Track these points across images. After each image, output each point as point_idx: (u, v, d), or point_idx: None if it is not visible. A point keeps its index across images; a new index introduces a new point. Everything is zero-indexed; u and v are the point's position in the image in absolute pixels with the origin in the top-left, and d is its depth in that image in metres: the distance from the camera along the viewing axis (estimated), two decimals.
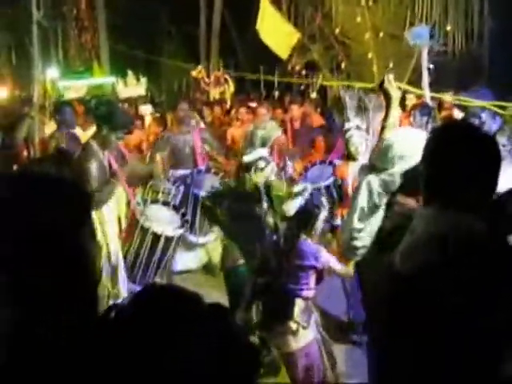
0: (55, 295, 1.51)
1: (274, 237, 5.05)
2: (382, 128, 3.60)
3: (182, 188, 7.17)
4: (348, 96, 6.38)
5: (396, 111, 3.61)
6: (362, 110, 6.52)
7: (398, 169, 2.98)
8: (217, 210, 5.99)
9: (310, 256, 4.50)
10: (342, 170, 6.31)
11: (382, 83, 3.64)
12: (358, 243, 3.06)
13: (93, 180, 5.04)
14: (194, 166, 7.80)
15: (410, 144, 3.00)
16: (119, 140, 5.54)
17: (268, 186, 5.51)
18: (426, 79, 8.28)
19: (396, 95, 3.59)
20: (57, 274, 1.50)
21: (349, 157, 6.05)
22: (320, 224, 4.62)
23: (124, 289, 5.42)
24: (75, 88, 15.30)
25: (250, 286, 4.86)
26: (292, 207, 4.78)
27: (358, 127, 5.98)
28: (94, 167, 5.08)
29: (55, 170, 4.02)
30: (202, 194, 6.85)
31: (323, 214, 4.67)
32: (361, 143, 5.95)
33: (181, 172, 7.70)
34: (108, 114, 5.45)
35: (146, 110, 11.58)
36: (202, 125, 9.29)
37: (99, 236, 5.20)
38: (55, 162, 4.31)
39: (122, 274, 5.45)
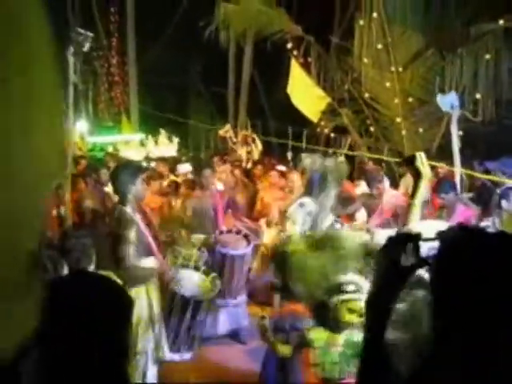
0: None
1: None
2: (409, 206, 3.51)
3: (205, 252, 7.22)
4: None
5: (425, 190, 3.51)
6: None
7: None
8: None
9: None
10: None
11: (411, 160, 3.57)
12: None
13: (132, 247, 5.01)
14: (214, 229, 7.84)
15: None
16: (140, 188, 5.44)
17: None
18: (456, 146, 8.27)
19: (427, 174, 3.50)
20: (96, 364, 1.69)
21: None
22: None
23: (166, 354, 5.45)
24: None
25: None
26: None
27: (301, 204, 5.76)
28: (132, 235, 5.05)
29: (92, 241, 4.06)
30: (233, 252, 6.94)
31: None
32: (303, 222, 5.57)
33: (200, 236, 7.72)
34: (117, 174, 5.47)
35: (185, 169, 10.79)
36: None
37: (145, 304, 5.22)
38: (92, 234, 4.34)
39: (164, 340, 5.47)
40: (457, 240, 1.71)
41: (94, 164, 10.80)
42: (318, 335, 3.72)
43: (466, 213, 6.49)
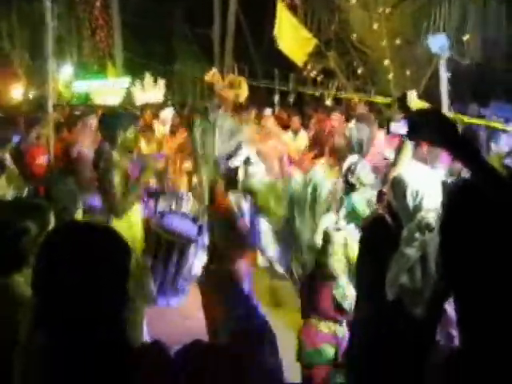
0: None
1: None
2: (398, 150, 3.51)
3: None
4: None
5: None
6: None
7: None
8: None
9: None
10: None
11: (402, 100, 3.57)
12: None
13: (115, 189, 5.03)
14: None
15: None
16: (131, 136, 5.44)
17: None
18: (444, 89, 8.20)
19: None
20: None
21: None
22: None
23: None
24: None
25: None
26: None
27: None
28: (115, 177, 5.06)
29: (73, 182, 4.08)
30: None
31: None
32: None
33: None
34: (107, 122, 5.47)
35: (169, 114, 10.47)
36: None
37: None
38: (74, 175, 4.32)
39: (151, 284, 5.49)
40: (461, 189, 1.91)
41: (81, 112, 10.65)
42: None
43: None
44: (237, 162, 5.07)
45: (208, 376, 1.61)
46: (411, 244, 2.80)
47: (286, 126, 9.89)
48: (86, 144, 7.53)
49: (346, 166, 5.88)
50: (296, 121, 9.73)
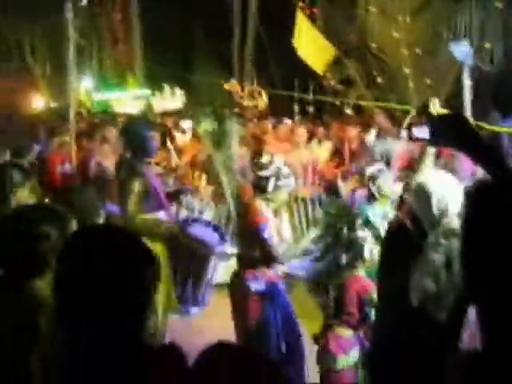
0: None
1: None
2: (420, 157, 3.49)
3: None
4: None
5: None
6: None
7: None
8: None
9: None
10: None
11: (425, 108, 3.55)
12: None
13: (137, 199, 5.04)
14: None
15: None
16: (151, 143, 5.49)
17: None
18: (467, 96, 8.12)
19: None
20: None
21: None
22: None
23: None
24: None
25: None
26: None
27: None
28: (136, 186, 5.08)
29: (98, 196, 4.06)
30: None
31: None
32: None
33: None
34: (129, 128, 5.52)
35: (186, 125, 10.65)
36: None
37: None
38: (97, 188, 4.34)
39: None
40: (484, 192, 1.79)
41: (100, 121, 10.75)
42: None
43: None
44: (267, 172, 4.97)
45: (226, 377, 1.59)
46: (436, 249, 2.77)
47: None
48: (105, 155, 7.57)
49: (368, 173, 5.80)
50: (320, 130, 9.76)
